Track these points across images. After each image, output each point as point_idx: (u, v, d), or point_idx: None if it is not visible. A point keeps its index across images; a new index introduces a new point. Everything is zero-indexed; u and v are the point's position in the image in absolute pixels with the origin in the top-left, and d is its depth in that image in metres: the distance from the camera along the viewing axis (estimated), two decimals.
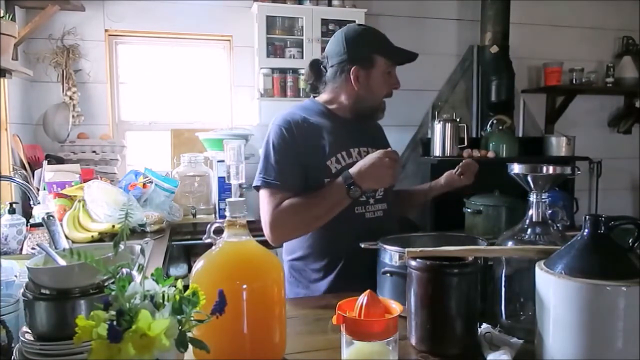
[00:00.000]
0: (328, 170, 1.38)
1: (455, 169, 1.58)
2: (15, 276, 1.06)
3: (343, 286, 1.36)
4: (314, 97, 1.56)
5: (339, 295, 0.94)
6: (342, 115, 1.49)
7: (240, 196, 0.93)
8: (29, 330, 0.80)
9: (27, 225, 1.84)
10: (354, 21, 3.11)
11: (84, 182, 2.32)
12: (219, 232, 0.91)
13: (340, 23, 3.10)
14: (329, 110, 1.49)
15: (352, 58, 1.44)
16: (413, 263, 0.92)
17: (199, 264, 0.86)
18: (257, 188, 1.40)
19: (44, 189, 2.33)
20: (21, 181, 2.18)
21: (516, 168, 1.02)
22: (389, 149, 1.38)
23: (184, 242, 2.55)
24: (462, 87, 3.61)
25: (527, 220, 1.01)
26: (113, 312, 0.64)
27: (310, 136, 1.40)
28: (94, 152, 2.90)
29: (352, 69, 1.44)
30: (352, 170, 1.32)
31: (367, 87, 1.45)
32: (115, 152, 2.95)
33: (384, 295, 1.08)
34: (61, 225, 1.82)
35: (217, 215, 2.72)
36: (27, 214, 2.21)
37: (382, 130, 1.67)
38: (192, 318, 0.69)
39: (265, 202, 1.37)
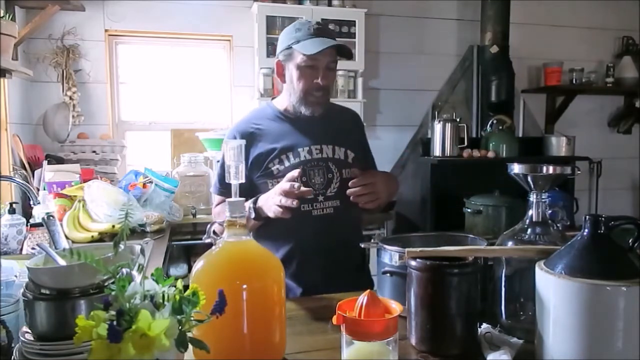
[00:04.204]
0: (270, 173, 1.42)
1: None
2: (15, 276, 1.06)
3: (305, 283, 1.43)
4: (273, 98, 1.58)
5: (339, 296, 0.94)
6: (292, 115, 1.49)
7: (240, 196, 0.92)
8: (29, 330, 0.80)
9: (27, 225, 1.84)
10: (354, 21, 3.12)
11: (84, 182, 2.32)
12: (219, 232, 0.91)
13: (340, 23, 3.11)
14: (280, 112, 1.50)
15: (279, 52, 1.46)
16: (413, 263, 0.92)
17: (199, 264, 0.86)
18: None
19: (44, 189, 2.33)
20: (21, 181, 2.18)
21: (516, 168, 1.01)
22: (295, 184, 1.25)
23: (184, 242, 2.54)
24: (462, 87, 3.61)
25: (527, 220, 1.01)
26: (113, 312, 0.64)
27: (258, 144, 1.45)
28: (94, 152, 2.90)
29: (276, 62, 1.47)
30: (265, 194, 1.35)
31: (289, 81, 1.45)
32: (115, 152, 2.95)
33: (384, 295, 1.08)
34: (61, 225, 1.82)
35: None
36: (27, 214, 2.21)
37: (357, 124, 1.63)
38: (192, 318, 0.69)
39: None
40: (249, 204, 1.35)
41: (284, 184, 1.26)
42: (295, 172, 1.28)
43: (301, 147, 1.44)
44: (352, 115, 1.65)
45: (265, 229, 1.45)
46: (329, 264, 1.43)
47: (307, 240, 1.43)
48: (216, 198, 1.56)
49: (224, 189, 1.49)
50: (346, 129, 1.55)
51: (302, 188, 1.26)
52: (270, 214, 1.29)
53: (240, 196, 1.47)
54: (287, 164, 1.42)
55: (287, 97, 1.48)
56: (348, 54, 1.43)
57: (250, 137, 1.45)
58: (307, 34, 1.38)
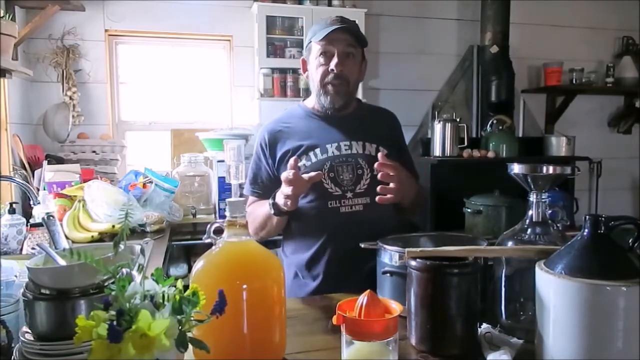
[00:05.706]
0: (298, 170, 1.40)
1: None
2: (15, 276, 1.06)
3: (333, 282, 1.39)
4: (304, 99, 1.59)
5: (339, 296, 0.94)
6: (320, 112, 1.50)
7: (241, 196, 0.93)
8: (29, 330, 0.80)
9: (27, 225, 1.84)
10: (354, 21, 3.11)
11: (84, 182, 2.32)
12: (219, 232, 0.91)
13: None
14: (310, 111, 1.52)
15: (304, 51, 1.52)
16: (413, 263, 0.92)
17: (199, 264, 0.86)
18: None
19: (44, 189, 2.33)
20: (21, 181, 2.18)
21: (516, 168, 1.01)
22: (290, 171, 1.24)
23: (184, 242, 2.54)
24: (462, 87, 3.61)
25: (527, 220, 1.01)
26: (113, 312, 0.64)
27: (286, 142, 1.46)
28: (94, 152, 2.90)
29: (301, 60, 1.53)
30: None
31: (311, 75, 1.48)
32: (115, 152, 2.95)
33: (384, 295, 1.08)
34: (61, 225, 1.82)
35: (217, 215, 2.72)
36: (27, 214, 2.21)
37: (392, 123, 1.63)
38: (192, 318, 0.69)
39: None
40: (269, 200, 1.35)
41: (286, 172, 1.25)
42: (292, 160, 1.26)
43: (329, 144, 1.44)
44: (388, 114, 1.65)
45: (293, 227, 1.46)
46: (356, 264, 1.38)
47: (335, 238, 1.40)
48: (249, 198, 1.54)
49: (260, 189, 1.49)
50: (379, 127, 1.54)
51: (312, 173, 1.25)
52: (282, 206, 1.29)
53: (270, 195, 1.45)
54: (314, 159, 1.41)
55: (314, 96, 1.50)
56: (363, 41, 1.47)
57: (278, 135, 1.47)
58: (324, 26, 1.42)
